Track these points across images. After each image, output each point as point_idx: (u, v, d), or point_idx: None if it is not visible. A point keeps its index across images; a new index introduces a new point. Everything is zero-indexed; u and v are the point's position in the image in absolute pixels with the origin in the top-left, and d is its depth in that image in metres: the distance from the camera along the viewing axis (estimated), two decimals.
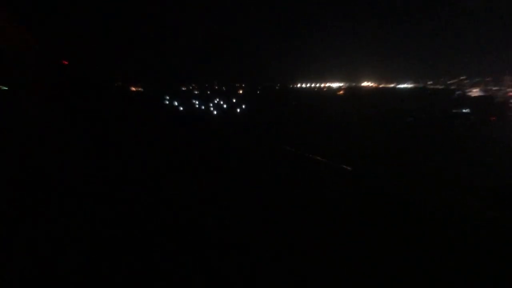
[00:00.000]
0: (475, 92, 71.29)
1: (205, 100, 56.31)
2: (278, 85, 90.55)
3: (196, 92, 68.73)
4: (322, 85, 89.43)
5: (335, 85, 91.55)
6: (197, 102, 54.43)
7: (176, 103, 51.36)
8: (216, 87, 77.14)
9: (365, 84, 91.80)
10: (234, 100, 58.38)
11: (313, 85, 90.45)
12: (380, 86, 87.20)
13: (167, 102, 52.14)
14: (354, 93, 72.89)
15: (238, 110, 50.63)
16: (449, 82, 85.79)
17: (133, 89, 62.21)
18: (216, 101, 56.10)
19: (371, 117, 52.85)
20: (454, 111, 54.97)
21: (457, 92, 63.17)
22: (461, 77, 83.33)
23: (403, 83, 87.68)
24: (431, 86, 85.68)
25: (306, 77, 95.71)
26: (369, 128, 47.27)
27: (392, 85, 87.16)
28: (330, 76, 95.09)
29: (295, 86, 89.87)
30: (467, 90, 74.68)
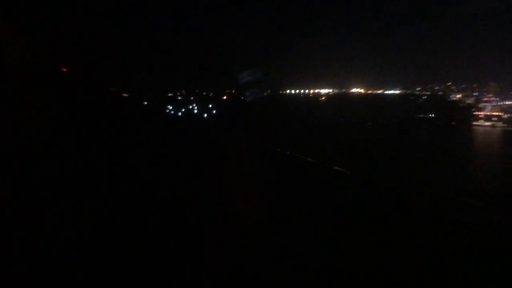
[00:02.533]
0: (458, 97, 72.19)
1: (181, 105, 60.08)
2: (268, 91, 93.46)
3: (179, 98, 72.70)
4: (311, 91, 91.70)
5: (325, 91, 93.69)
6: (170, 107, 58.12)
7: (150, 107, 55.32)
8: (204, 93, 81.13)
9: (354, 90, 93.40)
10: (210, 106, 62.03)
11: (303, 91, 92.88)
12: (368, 92, 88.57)
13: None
14: (334, 99, 75.00)
15: (206, 115, 54.08)
16: (436, 88, 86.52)
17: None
18: (190, 107, 59.76)
19: (335, 121, 55.28)
20: (421, 115, 56.35)
21: (423, 97, 64.20)
22: (448, 83, 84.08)
23: (392, 89, 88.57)
24: (418, 92, 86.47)
25: (300, 84, 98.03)
26: (331, 131, 49.78)
27: (380, 91, 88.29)
28: (323, 83, 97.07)
29: (285, 92, 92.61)
30: (452, 96, 75.39)
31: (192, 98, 75.81)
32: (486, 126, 49.08)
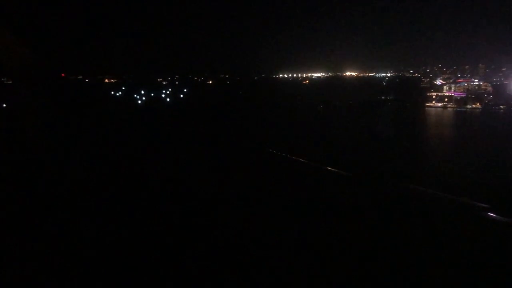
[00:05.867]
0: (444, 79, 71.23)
1: (156, 89, 65.10)
2: (262, 75, 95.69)
3: (164, 83, 77.83)
4: (304, 75, 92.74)
5: (317, 75, 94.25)
6: (142, 92, 63.10)
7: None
8: (196, 78, 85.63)
9: (348, 73, 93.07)
10: (185, 90, 66.52)
11: (295, 75, 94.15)
12: (360, 75, 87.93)
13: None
14: (316, 82, 76.07)
15: (168, 99, 58.69)
16: (427, 70, 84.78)
17: (106, 80, 73.53)
18: (164, 90, 64.54)
19: (295, 103, 57.37)
20: (383, 97, 56.35)
21: (387, 80, 63.73)
22: (439, 65, 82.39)
23: (385, 72, 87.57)
24: (411, 74, 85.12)
25: (299, 68, 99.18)
26: (283, 112, 52.19)
27: (371, 74, 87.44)
28: (320, 67, 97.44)
29: (278, 76, 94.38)
30: (439, 77, 74.38)
31: (177, 83, 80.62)
32: (438, 107, 48.21)
